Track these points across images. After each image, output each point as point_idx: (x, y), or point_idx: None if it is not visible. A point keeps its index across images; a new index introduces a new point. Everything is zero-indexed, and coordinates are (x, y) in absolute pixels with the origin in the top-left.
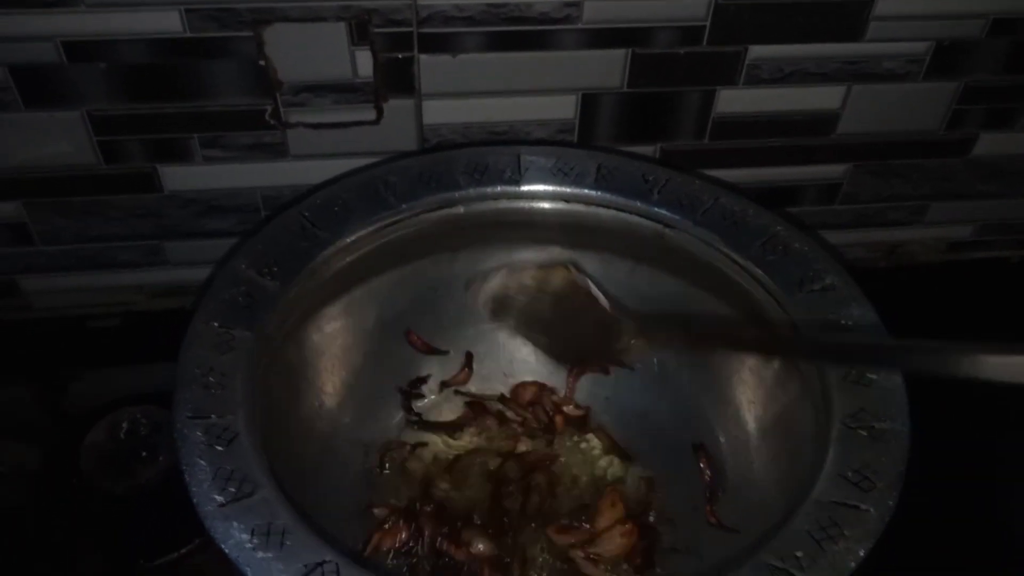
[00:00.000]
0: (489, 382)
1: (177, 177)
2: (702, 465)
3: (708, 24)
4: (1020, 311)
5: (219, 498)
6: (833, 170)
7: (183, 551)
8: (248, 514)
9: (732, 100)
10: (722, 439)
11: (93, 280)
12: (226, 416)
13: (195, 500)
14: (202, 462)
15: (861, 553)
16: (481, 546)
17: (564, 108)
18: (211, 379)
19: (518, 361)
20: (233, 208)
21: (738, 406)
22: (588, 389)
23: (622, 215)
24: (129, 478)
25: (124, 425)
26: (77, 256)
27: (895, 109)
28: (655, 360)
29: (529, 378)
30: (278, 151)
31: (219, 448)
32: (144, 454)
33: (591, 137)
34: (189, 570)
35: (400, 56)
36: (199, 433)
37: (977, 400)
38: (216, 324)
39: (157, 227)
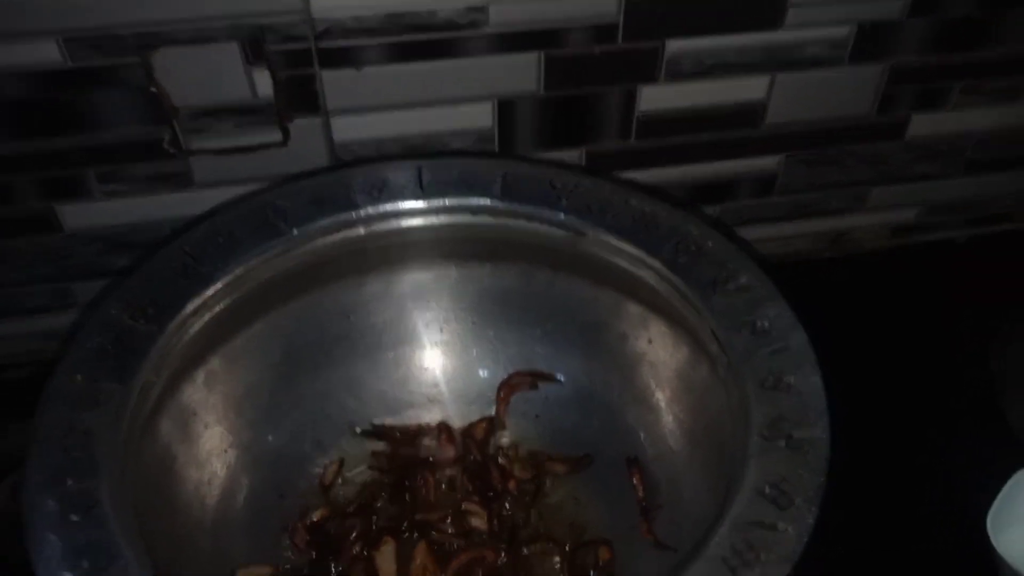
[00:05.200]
0: (414, 408)
1: (77, 215)
2: (635, 481)
3: (621, 20)
4: (970, 293)
5: None
6: (766, 162)
7: None
8: None
9: (655, 97)
10: (655, 452)
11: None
12: (86, 480)
13: None
14: (52, 536)
15: None
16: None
17: (481, 116)
18: (71, 440)
19: (443, 383)
20: (141, 243)
21: (669, 416)
22: (520, 408)
23: (532, 225)
24: None
25: None
26: None
27: (823, 95)
28: (584, 373)
29: (454, 401)
30: (182, 181)
31: (74, 518)
32: None
33: (512, 145)
34: None
35: (301, 73)
36: (52, 502)
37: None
38: (80, 377)
39: (62, 268)
